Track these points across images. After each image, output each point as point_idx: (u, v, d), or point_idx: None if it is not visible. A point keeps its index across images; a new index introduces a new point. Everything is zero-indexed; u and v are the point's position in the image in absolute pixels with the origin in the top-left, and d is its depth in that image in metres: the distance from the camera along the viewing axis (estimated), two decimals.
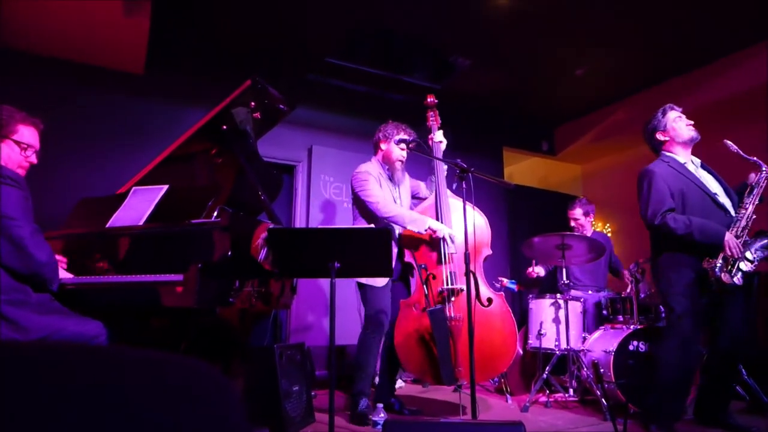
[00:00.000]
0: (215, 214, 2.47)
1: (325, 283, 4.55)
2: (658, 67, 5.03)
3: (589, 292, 4.11)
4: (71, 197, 3.05)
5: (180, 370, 0.67)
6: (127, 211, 2.62)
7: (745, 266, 2.40)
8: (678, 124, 2.72)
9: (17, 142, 2.09)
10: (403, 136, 3.13)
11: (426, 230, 2.94)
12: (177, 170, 2.96)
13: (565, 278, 3.67)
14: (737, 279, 2.40)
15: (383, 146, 3.24)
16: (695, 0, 3.93)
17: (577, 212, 4.31)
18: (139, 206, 2.61)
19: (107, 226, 2.57)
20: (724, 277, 2.39)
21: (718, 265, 2.40)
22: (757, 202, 2.50)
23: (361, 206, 3.12)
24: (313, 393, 3.11)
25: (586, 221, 4.31)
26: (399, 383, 4.34)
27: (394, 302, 3.10)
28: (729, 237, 2.41)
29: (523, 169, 7.22)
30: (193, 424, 0.60)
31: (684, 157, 2.70)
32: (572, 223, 4.33)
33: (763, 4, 3.95)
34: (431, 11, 4.12)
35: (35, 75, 4.00)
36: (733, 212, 2.54)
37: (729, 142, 2.58)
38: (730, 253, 2.40)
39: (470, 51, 4.78)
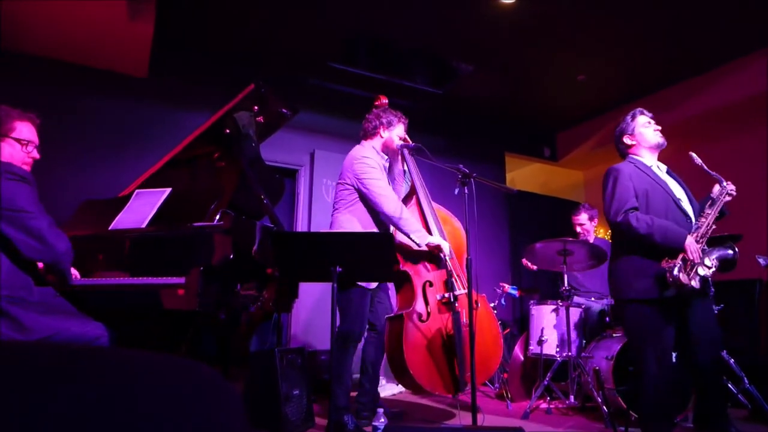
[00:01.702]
0: (217, 217, 2.48)
1: (326, 287, 4.55)
2: (660, 73, 5.03)
3: (592, 298, 4.10)
4: (74, 199, 3.06)
5: (181, 373, 0.67)
6: (129, 213, 2.63)
7: (702, 271, 2.41)
8: (645, 130, 2.72)
9: (17, 140, 2.10)
10: (406, 137, 3.06)
11: (425, 245, 2.82)
12: (180, 173, 2.97)
13: (566, 284, 3.67)
14: (695, 282, 2.40)
15: (384, 134, 3.03)
16: (695, 8, 3.94)
17: (583, 217, 4.30)
18: (141, 209, 2.62)
19: (110, 228, 2.58)
20: (683, 277, 2.39)
21: (678, 265, 2.42)
22: (717, 215, 2.53)
23: (361, 193, 2.91)
24: (313, 397, 3.10)
25: (591, 226, 4.30)
26: (399, 388, 4.33)
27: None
28: (690, 240, 2.43)
29: (525, 175, 7.22)
30: (193, 426, 0.60)
31: (650, 161, 2.72)
32: (577, 228, 4.32)
33: (762, 13, 3.96)
34: (434, 17, 4.14)
35: (39, 77, 4.03)
36: (693, 219, 2.56)
37: (694, 155, 2.60)
38: (691, 257, 2.41)
39: (472, 56, 4.79)
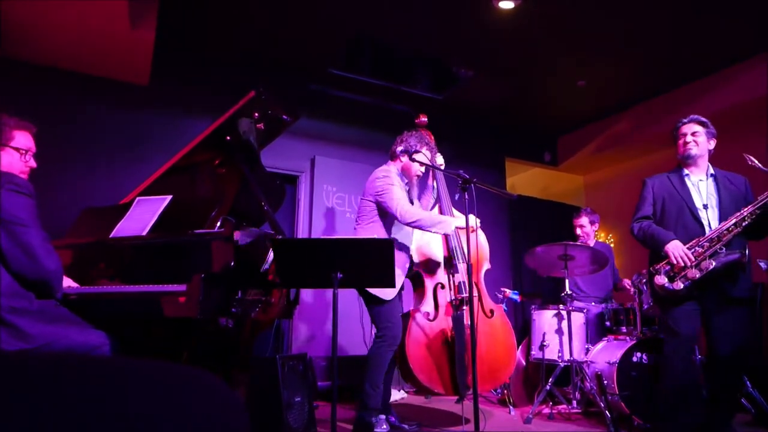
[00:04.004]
0: (218, 224, 2.48)
1: (327, 293, 4.55)
2: (660, 77, 5.04)
3: (593, 303, 4.09)
4: (75, 207, 3.06)
5: (184, 381, 0.67)
6: (130, 221, 2.63)
7: (691, 274, 2.45)
8: (676, 142, 2.78)
9: (16, 149, 2.10)
10: (413, 151, 3.07)
11: (454, 229, 2.95)
12: (180, 180, 2.97)
13: (567, 289, 3.66)
14: (676, 285, 2.45)
15: (404, 159, 3.13)
16: (696, 12, 3.95)
17: (584, 220, 4.30)
18: (142, 216, 2.62)
19: (111, 236, 2.58)
20: (658, 279, 2.48)
21: (663, 270, 2.49)
22: (746, 215, 2.45)
23: (381, 209, 3.01)
24: (315, 404, 3.09)
25: (591, 230, 4.30)
26: (401, 394, 4.32)
27: None
28: (673, 246, 2.48)
29: (525, 180, 7.22)
30: (197, 431, 0.60)
31: (690, 169, 2.73)
32: (578, 231, 4.31)
33: (762, 16, 3.97)
34: (435, 22, 4.15)
35: (40, 85, 4.03)
36: (715, 226, 2.54)
37: (749, 156, 2.60)
38: (675, 262, 2.46)
39: (473, 62, 4.81)
